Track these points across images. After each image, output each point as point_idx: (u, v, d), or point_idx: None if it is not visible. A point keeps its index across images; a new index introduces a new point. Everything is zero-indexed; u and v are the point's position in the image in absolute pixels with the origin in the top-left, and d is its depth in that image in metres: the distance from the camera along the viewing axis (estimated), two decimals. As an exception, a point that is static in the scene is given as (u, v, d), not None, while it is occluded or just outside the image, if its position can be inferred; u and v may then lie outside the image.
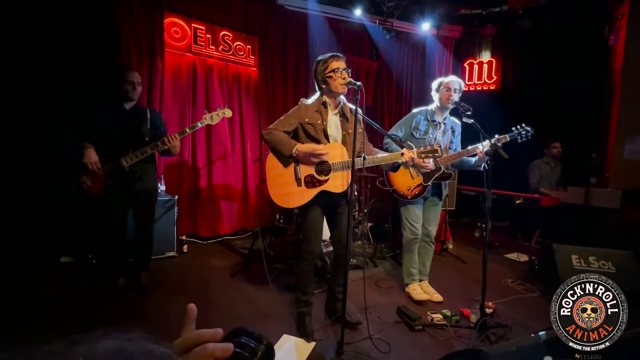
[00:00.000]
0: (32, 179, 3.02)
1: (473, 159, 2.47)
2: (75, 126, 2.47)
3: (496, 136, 2.33)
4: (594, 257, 2.73)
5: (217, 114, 2.50)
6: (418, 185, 2.47)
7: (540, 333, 1.38)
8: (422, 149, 1.98)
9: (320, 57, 2.02)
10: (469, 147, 2.43)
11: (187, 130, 2.45)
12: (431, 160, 2.33)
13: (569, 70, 4.55)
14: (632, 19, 3.83)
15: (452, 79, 2.47)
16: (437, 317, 2.28)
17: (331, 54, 2.00)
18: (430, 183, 2.45)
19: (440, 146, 1.93)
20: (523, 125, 2.37)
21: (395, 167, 2.22)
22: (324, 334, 2.09)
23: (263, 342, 0.44)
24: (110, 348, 0.29)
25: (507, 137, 2.34)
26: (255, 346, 0.43)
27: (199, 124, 2.47)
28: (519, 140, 2.35)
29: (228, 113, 2.56)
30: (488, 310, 2.25)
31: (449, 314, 2.30)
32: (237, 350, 0.41)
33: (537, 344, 1.29)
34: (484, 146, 2.22)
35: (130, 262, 2.63)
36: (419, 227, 2.57)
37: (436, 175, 2.43)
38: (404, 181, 2.51)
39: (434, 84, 2.55)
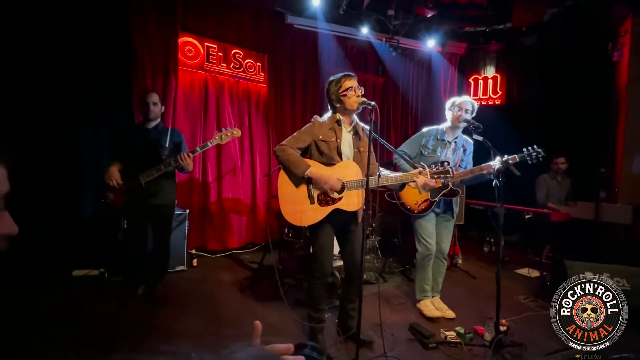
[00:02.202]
0: (47, 194, 3.07)
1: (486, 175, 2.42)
2: (92, 146, 2.61)
3: (506, 156, 2.31)
4: (608, 274, 2.69)
5: (227, 134, 2.56)
6: (425, 201, 2.51)
7: (557, 354, 1.37)
8: (434, 169, 1.97)
9: (332, 78, 2.06)
10: (480, 165, 2.41)
11: (198, 149, 2.55)
12: (431, 185, 2.32)
13: (574, 85, 4.60)
14: (635, 35, 3.90)
15: (465, 100, 2.52)
16: (451, 334, 2.26)
17: (343, 73, 2.05)
18: (437, 199, 2.48)
19: (451, 167, 1.95)
20: (534, 146, 2.30)
21: (402, 186, 2.25)
22: (337, 352, 2.06)
23: (324, 355, 0.50)
24: (252, 354, 0.37)
25: (517, 158, 2.30)
26: (319, 356, 0.51)
27: (209, 144, 2.55)
28: (529, 162, 2.30)
29: (237, 133, 2.61)
30: (502, 328, 2.22)
31: (462, 331, 2.27)
32: None
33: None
34: (495, 164, 2.23)
35: (149, 274, 2.70)
36: (433, 242, 2.56)
37: (443, 191, 2.45)
38: (411, 196, 2.56)
39: (448, 103, 2.59)
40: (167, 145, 2.55)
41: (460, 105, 2.48)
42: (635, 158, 3.87)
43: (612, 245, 3.51)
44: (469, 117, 2.46)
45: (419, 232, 2.59)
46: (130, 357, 0.32)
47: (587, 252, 3.21)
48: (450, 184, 2.43)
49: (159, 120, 2.62)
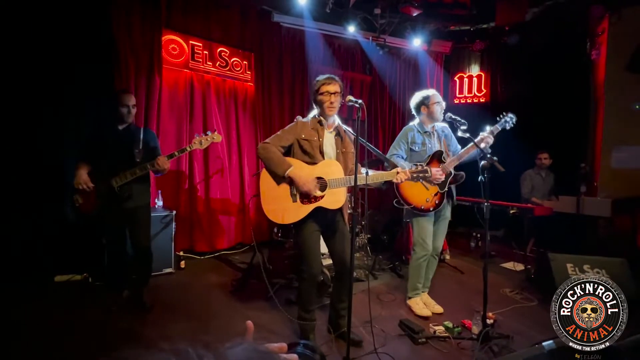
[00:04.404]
0: (26, 196, 2.97)
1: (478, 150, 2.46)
2: (73, 146, 2.52)
3: (488, 127, 2.46)
4: (588, 265, 2.79)
5: (207, 139, 2.51)
6: (436, 194, 2.51)
7: (545, 343, 1.41)
8: (413, 169, 2.05)
9: (318, 77, 2.07)
10: (468, 145, 2.46)
11: (176, 153, 2.48)
12: (442, 176, 2.44)
13: (555, 83, 4.73)
14: (611, 35, 4.03)
15: (435, 93, 2.59)
16: (440, 329, 2.30)
17: (326, 76, 2.05)
18: (446, 188, 2.51)
19: (430, 167, 2.03)
20: (503, 113, 2.53)
21: (385, 183, 2.26)
22: (329, 350, 2.07)
23: (317, 351, 0.53)
24: (248, 350, 0.37)
25: (498, 127, 2.47)
26: (311, 354, 0.52)
27: (188, 149, 2.49)
28: (507, 127, 2.49)
29: (217, 138, 2.56)
30: (489, 321, 2.27)
31: (450, 325, 2.31)
32: (300, 359, 0.49)
33: (543, 354, 1.32)
34: (484, 134, 2.37)
35: (132, 279, 2.63)
36: (430, 242, 2.55)
37: (449, 179, 2.50)
38: (420, 194, 2.50)
39: (417, 99, 2.62)
40: (140, 147, 2.45)
41: (436, 100, 2.54)
42: (614, 153, 4.01)
43: (593, 237, 3.63)
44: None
45: (418, 232, 2.56)
46: (131, 354, 0.32)
47: (569, 244, 3.31)
48: (452, 170, 2.50)
49: (130, 122, 2.52)
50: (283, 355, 0.46)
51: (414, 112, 2.67)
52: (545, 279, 2.90)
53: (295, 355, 0.47)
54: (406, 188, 2.51)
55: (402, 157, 2.57)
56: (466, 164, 2.57)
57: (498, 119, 2.52)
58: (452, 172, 2.51)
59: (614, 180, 3.89)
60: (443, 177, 2.45)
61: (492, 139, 2.44)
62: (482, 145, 2.35)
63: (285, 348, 0.49)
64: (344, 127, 2.16)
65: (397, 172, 2.02)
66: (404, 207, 2.51)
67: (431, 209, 2.50)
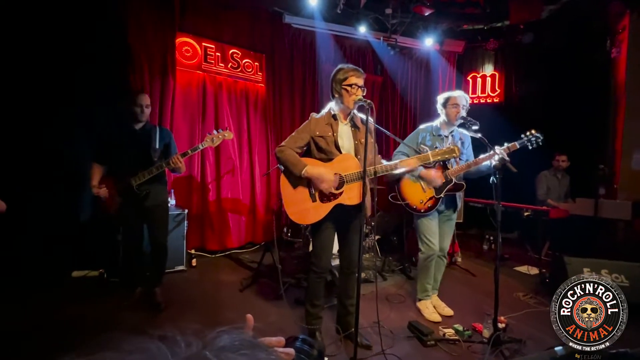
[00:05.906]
0: (44, 194, 3.08)
1: (488, 163, 2.36)
2: (87, 146, 2.61)
3: (506, 144, 2.32)
4: (606, 270, 2.70)
5: (218, 137, 2.54)
6: (430, 198, 2.46)
7: (557, 348, 1.38)
8: (437, 150, 1.98)
9: (342, 66, 2.05)
10: (481, 156, 2.39)
11: (189, 152, 2.52)
12: (439, 180, 2.38)
13: (572, 82, 4.59)
14: (632, 32, 3.89)
15: (459, 95, 2.48)
16: (449, 332, 2.26)
17: (353, 67, 2.04)
18: (442, 195, 2.44)
19: (458, 147, 1.94)
20: (532, 132, 2.34)
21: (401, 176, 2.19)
22: (337, 350, 2.07)
23: (315, 347, 0.54)
24: (237, 339, 0.37)
25: (517, 145, 2.32)
26: (309, 349, 0.53)
27: (200, 146, 2.54)
28: (530, 147, 2.34)
29: (229, 135, 2.59)
30: (500, 325, 2.22)
31: (460, 328, 2.28)
32: (297, 354, 0.50)
33: (554, 358, 1.29)
34: (498, 151, 2.21)
35: (146, 276, 2.69)
36: (436, 242, 2.52)
37: (448, 186, 2.43)
38: (416, 195, 2.50)
39: (440, 99, 2.56)
40: (157, 146, 2.50)
41: (455, 102, 2.45)
42: (635, 155, 3.87)
43: (611, 241, 3.51)
44: (464, 112, 2.44)
45: (423, 231, 2.54)
46: (117, 336, 0.33)
47: (586, 248, 3.20)
48: (453, 178, 2.43)
49: (145, 121, 2.58)
50: (279, 349, 0.47)
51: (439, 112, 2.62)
52: (560, 283, 2.81)
53: (291, 350, 0.48)
54: (406, 185, 2.51)
55: (407, 155, 2.53)
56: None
57: (523, 136, 2.35)
58: (454, 180, 2.43)
59: (635, 182, 3.75)
60: (439, 182, 2.39)
61: (505, 154, 2.25)
62: (490, 160, 2.21)
63: (283, 342, 0.49)
64: (360, 115, 2.11)
65: (417, 158, 1.94)
66: (398, 202, 2.51)
67: (422, 211, 2.49)
